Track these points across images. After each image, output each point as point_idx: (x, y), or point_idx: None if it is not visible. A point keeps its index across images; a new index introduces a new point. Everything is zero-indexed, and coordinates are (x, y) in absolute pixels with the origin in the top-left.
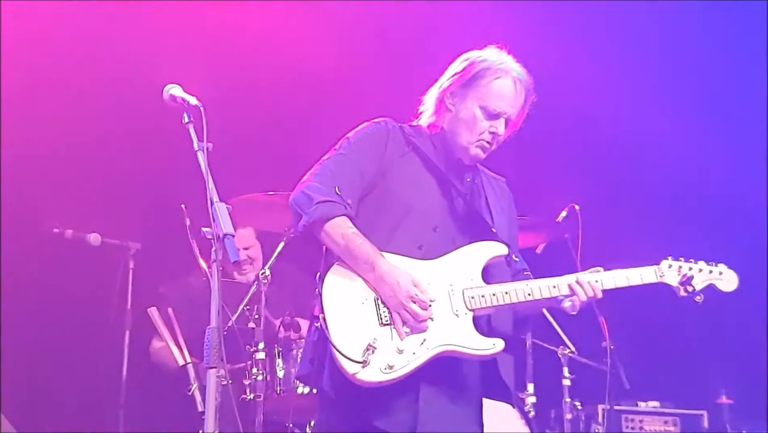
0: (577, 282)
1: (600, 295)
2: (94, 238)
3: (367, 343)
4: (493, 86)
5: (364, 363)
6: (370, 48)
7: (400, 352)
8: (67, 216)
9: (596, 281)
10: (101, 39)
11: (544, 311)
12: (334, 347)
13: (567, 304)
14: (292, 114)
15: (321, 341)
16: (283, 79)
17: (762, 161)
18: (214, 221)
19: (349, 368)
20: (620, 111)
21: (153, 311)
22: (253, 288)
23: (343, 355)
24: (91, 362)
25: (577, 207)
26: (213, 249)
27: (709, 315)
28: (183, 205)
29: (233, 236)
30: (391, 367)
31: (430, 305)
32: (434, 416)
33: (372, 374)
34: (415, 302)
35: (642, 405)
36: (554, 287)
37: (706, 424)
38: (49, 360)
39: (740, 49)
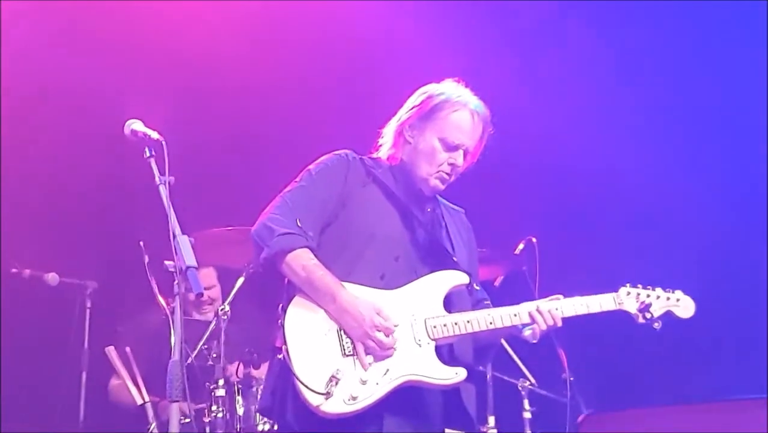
0: (538, 310)
1: (560, 323)
2: (51, 277)
3: (330, 374)
4: (452, 119)
5: (327, 395)
6: (329, 82)
7: (364, 383)
8: (23, 256)
9: (556, 309)
10: (59, 78)
11: (504, 342)
12: (297, 378)
13: (527, 332)
14: (248, 148)
15: (283, 373)
16: (238, 113)
17: (716, 189)
18: (176, 253)
19: (313, 400)
20: (577, 144)
21: (111, 350)
22: (213, 324)
23: (306, 387)
24: (48, 402)
25: (534, 240)
26: (176, 282)
27: (670, 346)
28: (141, 243)
29: (197, 268)
30: (354, 398)
31: (393, 332)
32: None
33: (335, 406)
34: (379, 330)
35: None
36: (515, 315)
37: None
38: (6, 399)
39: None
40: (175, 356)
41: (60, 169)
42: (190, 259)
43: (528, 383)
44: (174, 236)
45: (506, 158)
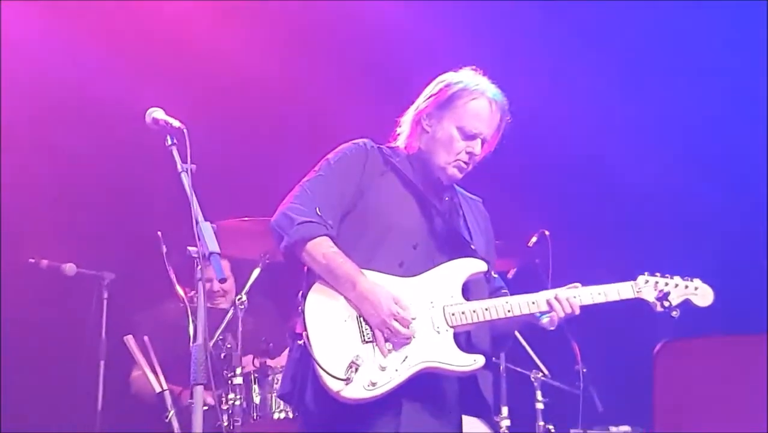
0: (556, 298)
1: (578, 311)
2: (69, 268)
3: (350, 360)
4: (470, 107)
5: (347, 380)
6: (348, 71)
7: (383, 369)
8: (41, 246)
9: (574, 297)
10: (78, 67)
11: (517, 334)
12: (318, 364)
13: (545, 320)
14: (264, 138)
15: (303, 359)
16: (257, 104)
17: (732, 182)
18: (199, 240)
19: (333, 385)
20: (591, 138)
21: (129, 339)
22: (230, 313)
23: (326, 372)
24: (67, 391)
25: (547, 233)
26: (198, 267)
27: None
28: (159, 233)
29: (219, 254)
30: (374, 384)
31: (411, 323)
32: None
33: (355, 392)
34: (396, 320)
35: (613, 430)
36: (533, 303)
37: None
38: (24, 390)
39: (737, 58)
40: (199, 340)
41: (78, 160)
42: (213, 245)
43: (541, 374)
44: (197, 222)
45: (520, 149)
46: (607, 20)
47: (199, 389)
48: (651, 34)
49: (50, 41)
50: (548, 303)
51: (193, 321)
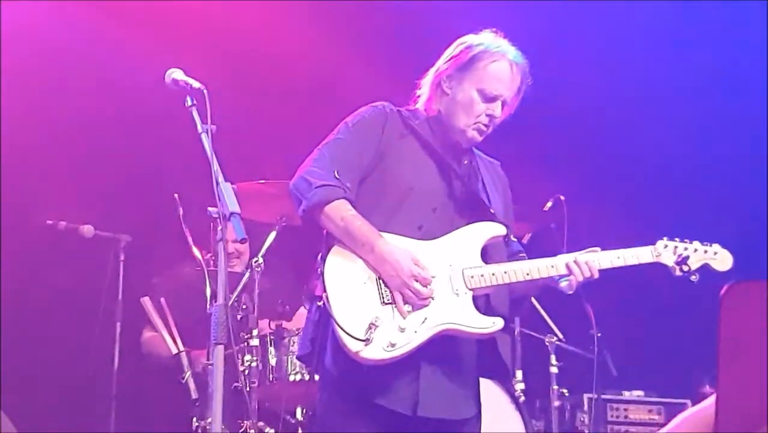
0: (575, 262)
1: (597, 275)
2: (87, 229)
3: (370, 322)
4: (490, 69)
5: (366, 341)
6: (366, 34)
7: (402, 330)
8: (57, 208)
9: (593, 261)
10: (94, 31)
11: (532, 299)
12: (338, 324)
13: (564, 284)
14: (284, 101)
15: (322, 321)
16: (274, 66)
17: (754, 154)
18: (220, 200)
19: (352, 346)
20: (607, 102)
21: (146, 301)
22: (246, 276)
23: (346, 333)
24: (83, 353)
25: (562, 198)
26: (219, 228)
27: (693, 304)
28: (176, 195)
29: (239, 215)
30: (393, 345)
31: (431, 282)
32: (434, 398)
33: (374, 352)
34: (417, 280)
35: (626, 394)
36: (552, 266)
37: None
38: (41, 351)
39: (740, 43)
40: (220, 300)
41: (95, 122)
42: (233, 205)
43: (555, 338)
44: (217, 183)
45: (535, 113)
46: None
47: (219, 348)
48: None
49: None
50: (567, 266)
51: (210, 283)
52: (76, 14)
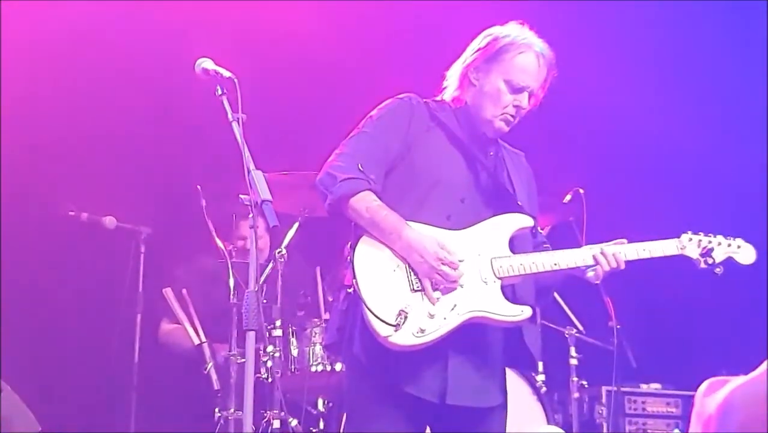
0: (602, 252)
1: (623, 266)
2: (109, 221)
3: (399, 308)
4: (517, 60)
5: (396, 327)
6: (392, 28)
7: (432, 316)
8: (80, 199)
9: (620, 252)
10: (120, 21)
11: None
12: (369, 309)
13: (590, 274)
14: (307, 92)
15: (351, 309)
16: (299, 58)
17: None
18: (251, 187)
19: (382, 331)
20: (624, 97)
21: (168, 292)
22: (269, 267)
23: (377, 317)
24: (104, 344)
25: (581, 191)
26: (250, 215)
27: (710, 297)
28: (199, 186)
29: (271, 202)
30: (423, 331)
31: (458, 266)
32: (462, 386)
33: (404, 338)
34: (444, 264)
35: (644, 387)
36: (580, 257)
37: None
38: (63, 342)
39: (742, 36)
40: (251, 286)
41: (117, 113)
42: (265, 193)
43: (575, 330)
44: (248, 171)
45: (557, 106)
46: None
47: (251, 334)
48: None
49: None
50: (594, 257)
51: (233, 274)
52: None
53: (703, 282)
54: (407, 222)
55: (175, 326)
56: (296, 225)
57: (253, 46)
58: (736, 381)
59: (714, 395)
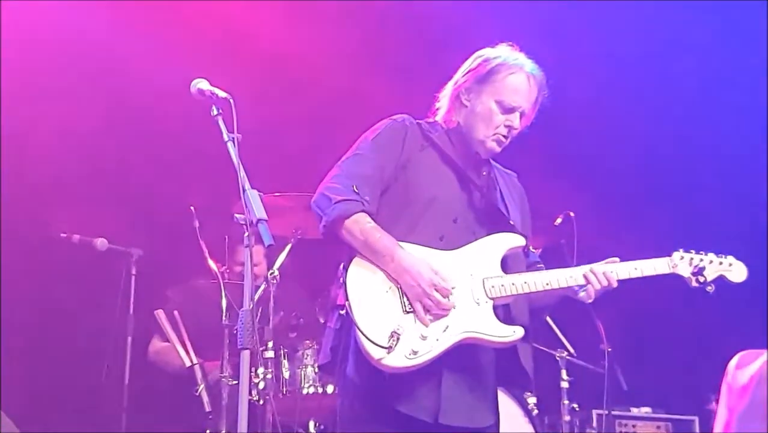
0: (592, 271)
1: (615, 284)
2: (101, 243)
3: (392, 330)
4: (509, 81)
5: (389, 349)
6: (386, 50)
7: (424, 338)
8: (71, 221)
9: (611, 272)
10: (111, 42)
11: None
12: (361, 332)
13: (582, 294)
14: (301, 114)
15: (344, 330)
16: (294, 80)
17: (756, 165)
18: (247, 207)
19: (375, 353)
20: (615, 120)
21: (160, 313)
22: (262, 288)
23: (369, 340)
24: (95, 366)
25: (572, 214)
26: (246, 234)
27: (700, 321)
28: (192, 208)
29: (266, 221)
30: (415, 352)
31: (451, 293)
32: (456, 406)
33: (397, 360)
34: (437, 290)
35: (635, 411)
36: (571, 277)
37: (697, 429)
38: (54, 363)
39: (740, 49)
40: (246, 305)
41: (108, 135)
42: (260, 212)
43: (566, 353)
44: (244, 190)
45: (547, 127)
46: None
47: (245, 353)
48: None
49: (78, 13)
50: (584, 277)
51: (225, 295)
52: (92, 24)
53: (694, 306)
54: (401, 243)
55: (165, 344)
56: (288, 247)
57: (248, 66)
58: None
59: (747, 367)
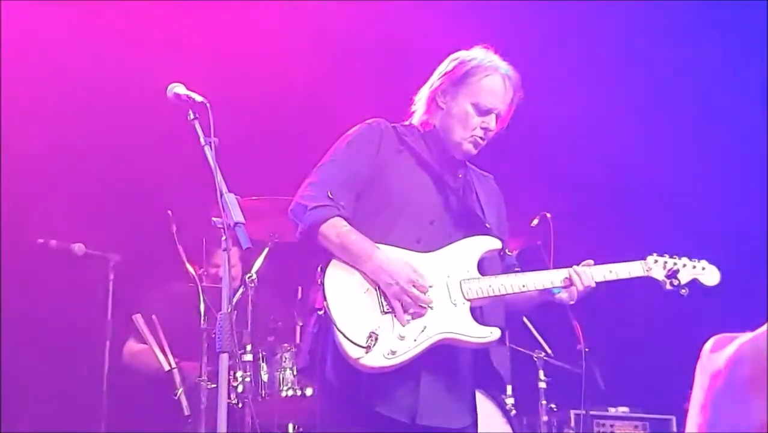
0: (575, 272)
1: (594, 284)
2: (78, 248)
3: (370, 330)
4: (484, 83)
5: (367, 348)
6: (360, 53)
7: (402, 338)
8: (48, 226)
9: (588, 273)
10: (87, 48)
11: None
12: (340, 331)
13: (564, 295)
14: (276, 118)
15: (322, 333)
16: (269, 84)
17: (734, 169)
18: (224, 210)
19: (353, 353)
20: (590, 120)
21: (138, 318)
22: (240, 292)
23: (348, 339)
24: (73, 371)
25: (548, 215)
26: (223, 238)
27: (676, 321)
28: (170, 211)
29: (244, 224)
30: (393, 352)
31: (428, 290)
32: (433, 409)
33: (375, 360)
34: (415, 286)
35: (612, 410)
36: (547, 279)
37: (675, 428)
38: (30, 369)
39: (734, 50)
40: (224, 308)
41: (86, 140)
42: (237, 215)
43: (543, 353)
44: (221, 194)
45: (522, 129)
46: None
47: (224, 356)
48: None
49: (58, 17)
50: (569, 277)
51: (204, 299)
52: (69, 29)
53: (669, 305)
54: (378, 245)
55: (142, 346)
56: (266, 250)
57: (223, 71)
58: (745, 336)
59: (722, 350)
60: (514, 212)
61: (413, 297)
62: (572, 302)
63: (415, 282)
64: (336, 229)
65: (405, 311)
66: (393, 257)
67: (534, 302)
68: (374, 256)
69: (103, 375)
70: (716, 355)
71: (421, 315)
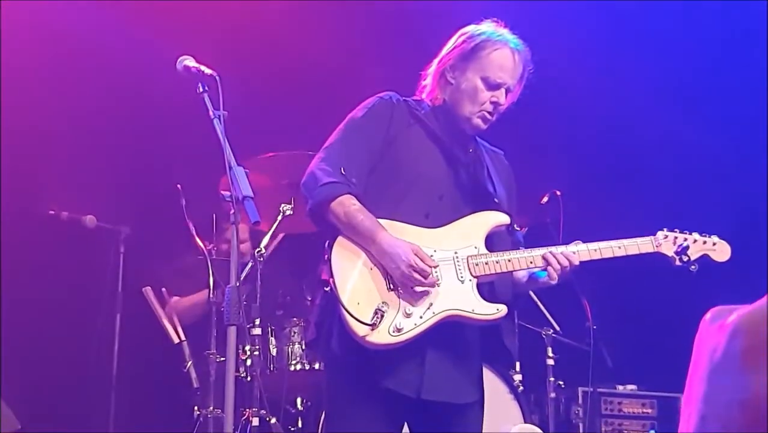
0: (551, 253)
1: (576, 262)
2: (90, 220)
3: (376, 307)
4: (494, 57)
5: (373, 326)
6: (372, 27)
7: (408, 316)
8: (60, 198)
9: (595, 250)
10: (96, 20)
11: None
12: (345, 309)
13: (543, 276)
14: (287, 92)
15: (329, 307)
16: (280, 57)
17: (753, 147)
18: (233, 184)
19: (359, 330)
20: (602, 97)
21: (148, 291)
22: (249, 266)
23: (353, 317)
24: (84, 344)
25: (558, 192)
26: (232, 212)
27: (684, 299)
28: (179, 185)
29: (253, 198)
30: (399, 330)
31: (432, 274)
32: (439, 383)
33: (381, 337)
34: (416, 271)
35: (620, 388)
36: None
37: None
38: (41, 342)
39: (740, 45)
40: (232, 281)
41: (97, 112)
42: (246, 189)
43: (552, 331)
44: (230, 168)
45: (533, 106)
46: None
47: (232, 329)
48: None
49: None
50: (544, 258)
51: (212, 273)
52: (79, 6)
53: (680, 283)
54: (386, 222)
55: (177, 298)
56: (275, 224)
57: (234, 44)
58: (743, 308)
59: (720, 321)
60: (524, 189)
61: (416, 282)
62: (554, 282)
63: (415, 267)
64: (344, 207)
65: (409, 294)
66: (397, 240)
67: (525, 285)
68: (378, 238)
69: (113, 348)
70: (714, 326)
71: (427, 294)
